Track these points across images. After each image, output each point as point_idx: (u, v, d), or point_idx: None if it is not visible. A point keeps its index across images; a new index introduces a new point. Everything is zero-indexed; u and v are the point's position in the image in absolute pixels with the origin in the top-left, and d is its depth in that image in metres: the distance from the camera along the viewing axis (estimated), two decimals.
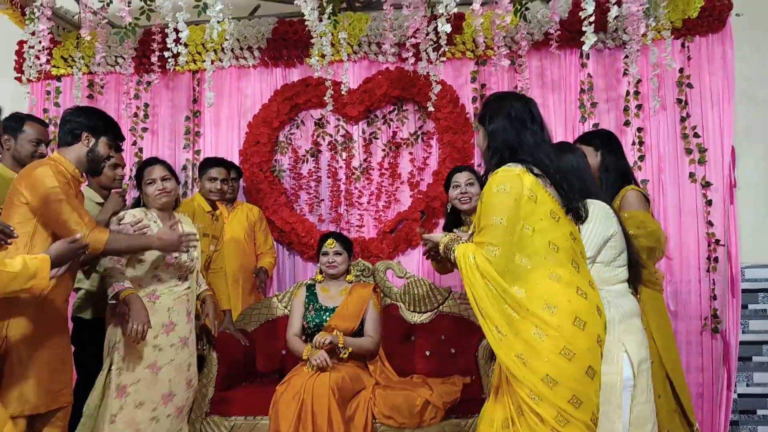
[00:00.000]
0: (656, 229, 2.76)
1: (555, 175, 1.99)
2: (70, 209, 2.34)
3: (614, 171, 2.87)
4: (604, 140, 2.96)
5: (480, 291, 1.92)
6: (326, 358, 3.00)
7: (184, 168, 4.36)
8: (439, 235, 2.18)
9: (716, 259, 3.89)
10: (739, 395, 3.89)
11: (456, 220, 3.25)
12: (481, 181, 3.26)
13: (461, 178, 3.17)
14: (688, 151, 3.96)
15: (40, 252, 2.29)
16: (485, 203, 1.96)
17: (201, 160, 3.91)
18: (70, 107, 2.72)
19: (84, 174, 2.62)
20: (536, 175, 1.96)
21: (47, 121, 4.38)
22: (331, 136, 4.30)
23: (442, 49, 3.48)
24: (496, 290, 1.90)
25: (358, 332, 3.26)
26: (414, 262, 4.15)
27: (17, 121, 2.85)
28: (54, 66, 4.33)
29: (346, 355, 3.12)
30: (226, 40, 3.38)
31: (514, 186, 1.92)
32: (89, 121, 2.54)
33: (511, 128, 2.02)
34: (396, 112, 4.26)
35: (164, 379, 2.73)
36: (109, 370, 2.67)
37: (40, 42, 3.41)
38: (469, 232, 2.19)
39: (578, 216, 2.04)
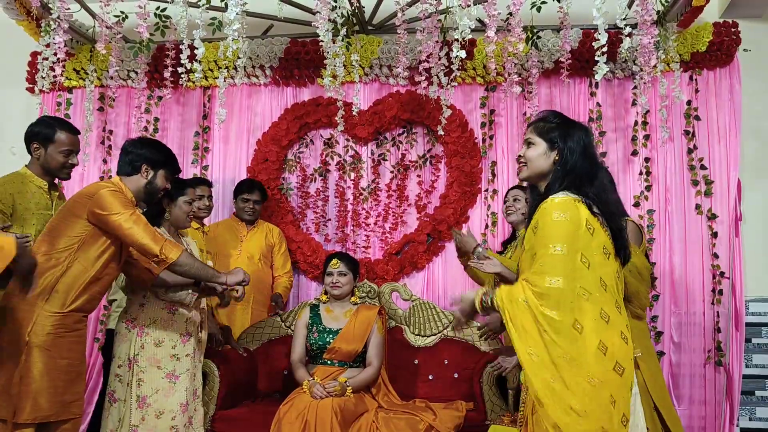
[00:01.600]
0: (640, 266, 2.71)
1: (610, 215, 1.92)
2: (140, 228, 2.39)
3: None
4: (611, 177, 2.89)
5: (535, 336, 1.78)
6: (323, 389, 3.00)
7: None
8: (470, 294, 2.01)
9: (721, 292, 3.89)
10: (742, 429, 3.85)
11: (512, 235, 3.42)
12: (527, 196, 3.21)
13: (510, 194, 3.41)
14: (695, 183, 3.98)
15: (83, 261, 2.38)
16: (543, 230, 1.85)
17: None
18: (131, 138, 2.74)
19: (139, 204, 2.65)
20: (592, 211, 1.87)
21: None
22: (339, 156, 4.32)
23: (453, 74, 3.52)
24: (550, 332, 1.77)
25: (362, 354, 3.24)
26: (419, 285, 4.15)
27: (48, 127, 2.71)
28: (66, 78, 4.36)
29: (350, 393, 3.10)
30: (239, 58, 3.41)
31: (574, 215, 1.83)
32: (150, 154, 2.58)
33: (584, 160, 1.95)
34: (405, 134, 4.28)
35: (181, 388, 2.75)
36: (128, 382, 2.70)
37: (55, 54, 3.44)
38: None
39: (625, 257, 1.96)
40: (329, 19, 3.15)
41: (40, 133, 2.72)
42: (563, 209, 1.83)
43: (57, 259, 2.34)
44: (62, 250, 2.35)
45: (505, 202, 3.45)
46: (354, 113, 3.82)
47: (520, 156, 2.06)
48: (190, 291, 2.80)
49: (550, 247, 1.81)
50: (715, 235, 3.92)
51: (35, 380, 2.24)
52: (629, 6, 3.61)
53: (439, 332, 3.62)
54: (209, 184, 3.79)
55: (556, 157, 1.96)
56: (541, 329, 1.78)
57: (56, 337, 2.31)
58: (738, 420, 3.82)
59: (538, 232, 1.86)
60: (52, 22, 3.40)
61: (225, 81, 3.66)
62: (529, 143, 2.02)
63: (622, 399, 1.80)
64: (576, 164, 1.93)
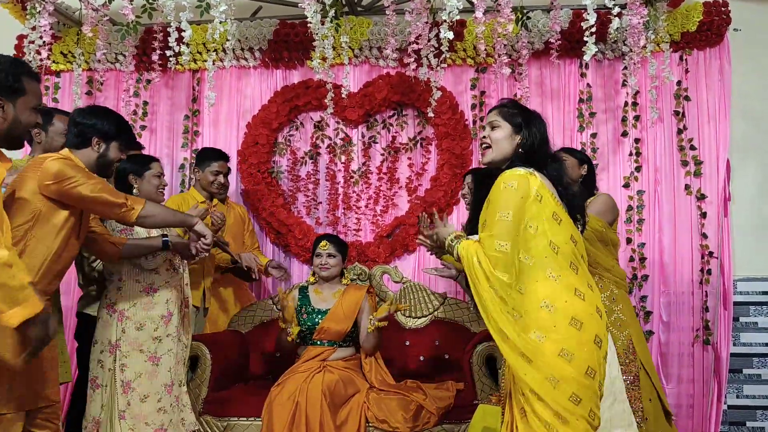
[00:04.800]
0: (598, 229, 2.99)
1: (563, 186, 2.10)
2: (100, 185, 2.31)
3: (589, 185, 3.18)
4: (590, 162, 3.26)
5: (485, 294, 1.96)
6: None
7: (182, 167, 4.36)
8: (448, 230, 2.20)
9: (709, 272, 3.92)
10: (729, 407, 3.91)
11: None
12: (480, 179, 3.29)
13: (466, 180, 3.36)
14: (684, 164, 3.99)
15: (42, 239, 2.22)
16: (493, 200, 2.02)
17: (200, 151, 3.89)
18: (79, 108, 2.67)
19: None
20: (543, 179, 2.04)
21: None
22: (330, 138, 4.31)
23: (443, 56, 3.50)
24: (500, 290, 1.94)
25: (351, 334, 3.26)
26: (410, 267, 4.15)
27: (46, 114, 2.76)
28: (53, 61, 4.32)
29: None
30: (228, 40, 3.38)
31: (522, 185, 1.99)
32: (101, 125, 2.45)
33: (543, 146, 2.13)
34: (395, 116, 4.27)
35: (164, 369, 2.75)
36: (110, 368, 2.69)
37: (41, 37, 3.40)
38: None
39: (578, 219, 2.15)
40: (317, 0, 3.12)
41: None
42: (511, 180, 2.00)
43: (12, 240, 2.15)
44: (15, 229, 2.18)
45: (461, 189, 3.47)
46: (344, 96, 3.80)
47: (483, 137, 2.17)
48: (161, 254, 2.79)
49: (497, 213, 1.97)
50: (704, 215, 3.94)
51: (7, 369, 2.07)
52: None
53: (429, 314, 3.65)
54: (227, 159, 3.74)
55: (520, 140, 2.11)
56: (493, 287, 1.95)
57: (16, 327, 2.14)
58: (726, 398, 3.87)
59: (489, 202, 2.04)
60: (37, 5, 3.36)
61: (214, 64, 3.63)
62: (493, 126, 2.15)
63: (584, 352, 1.90)
64: (537, 148, 2.10)
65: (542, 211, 1.99)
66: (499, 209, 1.97)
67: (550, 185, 2.05)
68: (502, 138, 2.12)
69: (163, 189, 2.96)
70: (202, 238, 2.61)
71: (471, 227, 2.26)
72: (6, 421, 2.10)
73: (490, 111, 2.22)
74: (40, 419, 2.23)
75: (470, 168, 4.13)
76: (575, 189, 2.53)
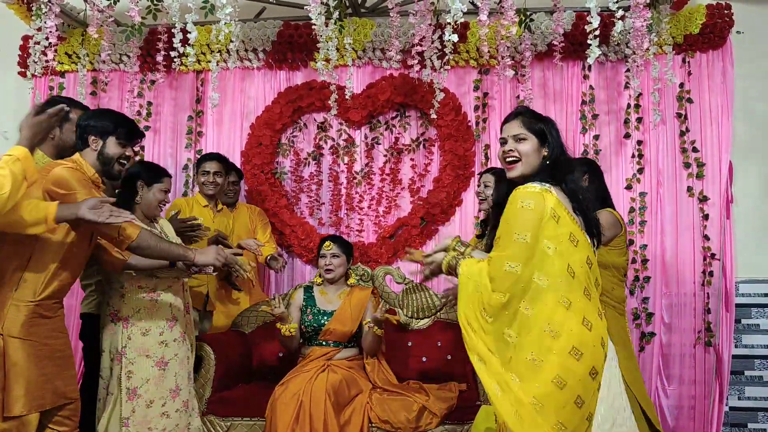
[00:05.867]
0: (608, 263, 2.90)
1: (579, 200, 2.01)
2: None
3: (594, 197, 3.00)
4: (591, 167, 3.12)
5: (478, 316, 1.95)
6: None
7: (185, 168, 4.37)
8: (440, 255, 2.15)
9: (711, 273, 3.93)
10: (731, 408, 3.91)
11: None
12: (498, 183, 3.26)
13: (482, 179, 3.36)
14: (687, 165, 4.00)
15: (48, 246, 2.24)
16: (508, 218, 1.95)
17: (199, 157, 3.98)
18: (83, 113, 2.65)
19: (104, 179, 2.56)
20: (562, 199, 1.96)
21: None
22: (333, 139, 4.32)
23: (446, 57, 3.51)
24: (489, 311, 1.93)
25: (356, 335, 3.28)
26: (412, 268, 4.16)
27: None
28: (58, 62, 4.33)
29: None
30: (232, 41, 3.40)
31: (538, 203, 1.91)
32: (96, 123, 2.48)
33: (563, 153, 2.07)
34: (398, 118, 4.28)
35: (170, 374, 2.75)
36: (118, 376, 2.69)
37: (46, 38, 3.41)
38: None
39: (598, 240, 2.06)
40: (322, 2, 3.13)
41: None
42: (527, 198, 1.92)
43: (20, 245, 2.20)
44: (23, 235, 2.16)
45: (477, 185, 3.47)
46: (347, 97, 3.82)
47: (509, 150, 2.06)
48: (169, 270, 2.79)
49: (514, 234, 1.91)
50: (706, 217, 3.95)
51: (23, 371, 2.16)
52: None
53: (432, 315, 3.66)
54: (221, 159, 3.75)
55: (545, 153, 2.05)
56: (484, 314, 1.93)
57: (32, 326, 2.21)
58: (727, 399, 3.88)
59: (504, 220, 1.96)
60: (43, 6, 3.36)
61: (218, 65, 3.65)
62: (519, 138, 2.05)
63: (577, 382, 1.86)
64: (559, 158, 2.03)
65: (559, 231, 1.91)
66: (515, 230, 1.91)
67: (566, 201, 1.97)
68: (532, 151, 2.04)
69: (164, 206, 2.93)
70: (206, 268, 2.66)
71: (492, 237, 2.14)
72: (20, 422, 2.12)
73: (507, 120, 2.12)
74: (59, 416, 2.29)
75: (472, 169, 4.15)
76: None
